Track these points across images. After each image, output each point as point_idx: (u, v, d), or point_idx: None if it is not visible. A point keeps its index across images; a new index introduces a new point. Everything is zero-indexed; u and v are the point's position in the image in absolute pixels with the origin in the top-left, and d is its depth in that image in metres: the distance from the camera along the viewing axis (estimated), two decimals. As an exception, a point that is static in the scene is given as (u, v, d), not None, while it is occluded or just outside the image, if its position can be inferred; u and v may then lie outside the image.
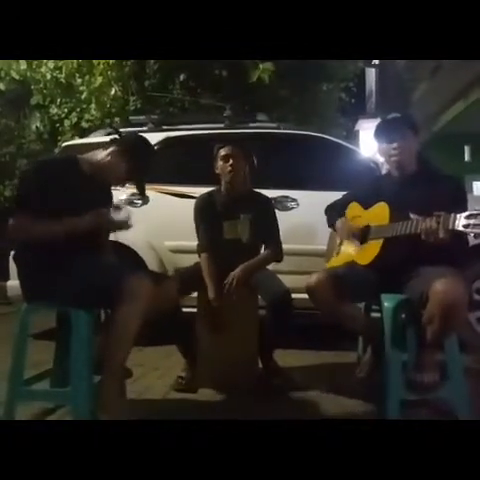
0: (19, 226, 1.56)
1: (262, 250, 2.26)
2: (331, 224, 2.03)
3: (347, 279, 1.74)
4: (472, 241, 1.71)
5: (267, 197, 2.30)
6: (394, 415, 1.56)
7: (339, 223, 1.93)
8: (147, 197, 2.87)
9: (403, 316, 1.68)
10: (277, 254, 2.20)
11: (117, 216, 1.67)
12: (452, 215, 1.44)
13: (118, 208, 1.70)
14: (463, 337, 2.20)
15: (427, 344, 1.56)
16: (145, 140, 1.78)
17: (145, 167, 1.74)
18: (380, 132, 1.83)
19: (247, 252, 2.14)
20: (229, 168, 2.13)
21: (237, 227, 2.17)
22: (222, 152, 2.16)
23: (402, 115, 2.03)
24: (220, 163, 2.17)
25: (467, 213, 1.41)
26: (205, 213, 2.20)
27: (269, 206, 2.27)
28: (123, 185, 1.82)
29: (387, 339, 1.64)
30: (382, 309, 1.69)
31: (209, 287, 2.04)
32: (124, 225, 1.69)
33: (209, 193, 2.27)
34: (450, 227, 1.43)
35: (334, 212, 2.02)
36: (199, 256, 2.17)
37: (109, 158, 1.68)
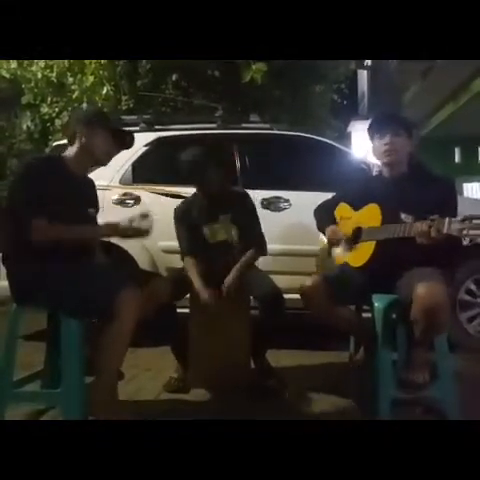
0: (42, 229, 1.51)
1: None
2: (320, 228, 2.02)
3: (342, 283, 1.74)
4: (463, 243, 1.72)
5: (244, 193, 2.26)
6: (385, 414, 1.57)
7: (329, 231, 1.93)
8: (139, 197, 2.87)
9: (394, 316, 1.69)
10: (262, 249, 2.19)
11: (141, 224, 1.66)
12: (446, 219, 1.43)
13: (145, 216, 1.68)
14: (453, 337, 2.23)
15: (416, 344, 1.59)
16: (92, 109, 1.79)
17: (109, 124, 1.73)
18: (373, 126, 1.81)
19: (234, 251, 2.13)
20: (202, 171, 2.09)
21: (218, 229, 2.15)
22: (189, 157, 2.10)
23: (397, 114, 2.03)
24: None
25: (461, 217, 1.41)
26: (183, 222, 2.20)
27: (247, 202, 2.21)
28: (111, 157, 1.76)
29: (378, 339, 1.65)
30: (373, 309, 1.70)
31: (198, 288, 2.03)
32: (145, 233, 1.69)
33: (185, 201, 2.28)
34: (445, 231, 1.43)
35: (323, 215, 2.02)
36: (182, 260, 2.18)
37: (81, 143, 1.67)
